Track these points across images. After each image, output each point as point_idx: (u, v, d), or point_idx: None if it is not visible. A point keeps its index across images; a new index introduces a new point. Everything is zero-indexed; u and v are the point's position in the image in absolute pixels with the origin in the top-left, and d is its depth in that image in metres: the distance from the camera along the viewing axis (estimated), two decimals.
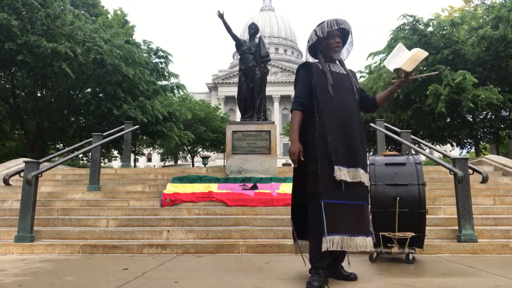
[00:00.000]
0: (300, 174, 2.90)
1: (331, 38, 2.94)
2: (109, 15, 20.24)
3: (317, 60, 3.01)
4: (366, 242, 2.70)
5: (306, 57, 3.06)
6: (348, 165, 2.73)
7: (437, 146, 15.66)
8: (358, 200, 2.75)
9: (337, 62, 3.03)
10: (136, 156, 25.31)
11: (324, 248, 2.60)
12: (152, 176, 7.76)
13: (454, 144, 17.40)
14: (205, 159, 31.14)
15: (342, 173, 2.68)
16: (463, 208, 4.43)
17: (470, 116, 14.66)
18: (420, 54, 2.86)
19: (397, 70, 2.86)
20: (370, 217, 2.99)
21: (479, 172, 4.76)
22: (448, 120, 15.15)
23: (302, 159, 2.75)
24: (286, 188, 5.95)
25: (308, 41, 2.99)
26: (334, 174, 2.66)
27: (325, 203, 2.65)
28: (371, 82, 14.95)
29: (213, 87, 67.73)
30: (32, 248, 4.33)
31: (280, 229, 4.76)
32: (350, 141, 2.78)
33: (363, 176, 2.77)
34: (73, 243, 4.42)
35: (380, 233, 3.58)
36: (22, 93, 15.53)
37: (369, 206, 2.97)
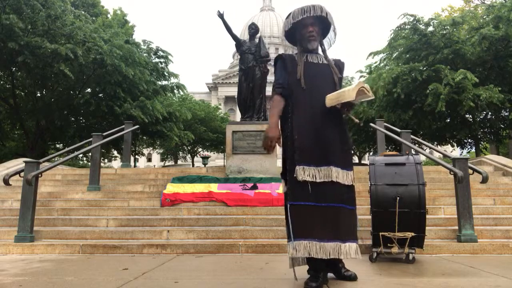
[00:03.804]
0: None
1: (303, 28, 2.75)
2: (109, 15, 20.25)
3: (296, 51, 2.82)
4: (340, 249, 2.46)
5: (284, 45, 2.96)
6: (318, 164, 2.50)
7: (438, 146, 15.65)
8: (332, 202, 2.50)
9: (320, 52, 2.85)
10: (136, 156, 25.31)
11: (290, 254, 2.46)
12: (152, 176, 7.76)
13: (455, 144, 17.38)
14: (205, 159, 31.21)
15: (307, 173, 2.46)
16: (463, 208, 4.43)
17: (470, 116, 14.65)
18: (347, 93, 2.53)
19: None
20: (357, 220, 2.73)
21: (479, 172, 4.76)
22: (448, 120, 15.14)
23: (279, 146, 2.53)
24: None
25: (282, 35, 2.87)
26: (295, 175, 2.46)
27: (291, 205, 2.48)
28: (370, 82, 14.91)
29: (213, 87, 67.73)
30: (32, 248, 4.33)
31: (280, 229, 4.75)
32: (322, 136, 2.57)
33: (336, 175, 2.52)
34: (73, 243, 4.42)
35: (380, 233, 3.59)
36: (22, 93, 15.55)
37: (355, 208, 2.65)
